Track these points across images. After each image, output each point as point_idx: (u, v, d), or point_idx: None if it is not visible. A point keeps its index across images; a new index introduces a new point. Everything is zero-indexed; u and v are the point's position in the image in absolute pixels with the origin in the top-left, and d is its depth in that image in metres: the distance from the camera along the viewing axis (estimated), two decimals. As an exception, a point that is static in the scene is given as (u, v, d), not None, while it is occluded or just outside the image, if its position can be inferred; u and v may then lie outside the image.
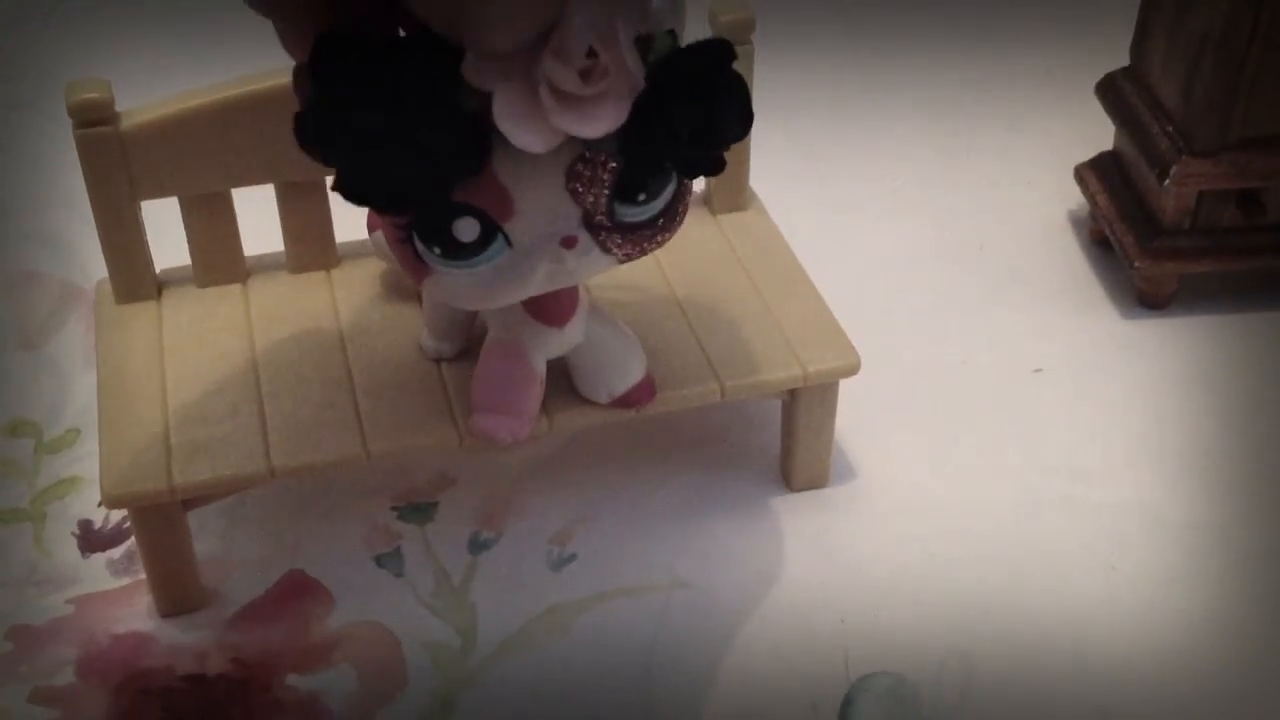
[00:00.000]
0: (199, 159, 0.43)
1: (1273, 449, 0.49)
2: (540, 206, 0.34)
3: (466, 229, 0.34)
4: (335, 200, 0.44)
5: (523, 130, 0.31)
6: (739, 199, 0.51)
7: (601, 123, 0.32)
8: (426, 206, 0.33)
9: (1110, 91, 0.56)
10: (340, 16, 0.31)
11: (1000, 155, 0.64)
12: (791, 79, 0.68)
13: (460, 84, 0.31)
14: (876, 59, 0.71)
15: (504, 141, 0.32)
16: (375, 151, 0.31)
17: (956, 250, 0.59)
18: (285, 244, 0.47)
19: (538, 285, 0.36)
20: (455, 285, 0.35)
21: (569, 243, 0.35)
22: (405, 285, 0.45)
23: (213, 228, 0.45)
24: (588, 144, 0.33)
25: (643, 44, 0.33)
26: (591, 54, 0.31)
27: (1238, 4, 0.48)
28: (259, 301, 0.46)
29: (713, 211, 0.51)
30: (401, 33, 0.33)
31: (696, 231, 0.50)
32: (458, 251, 0.34)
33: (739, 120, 0.35)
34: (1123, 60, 0.57)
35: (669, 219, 0.36)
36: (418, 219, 0.34)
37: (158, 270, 0.47)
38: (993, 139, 0.66)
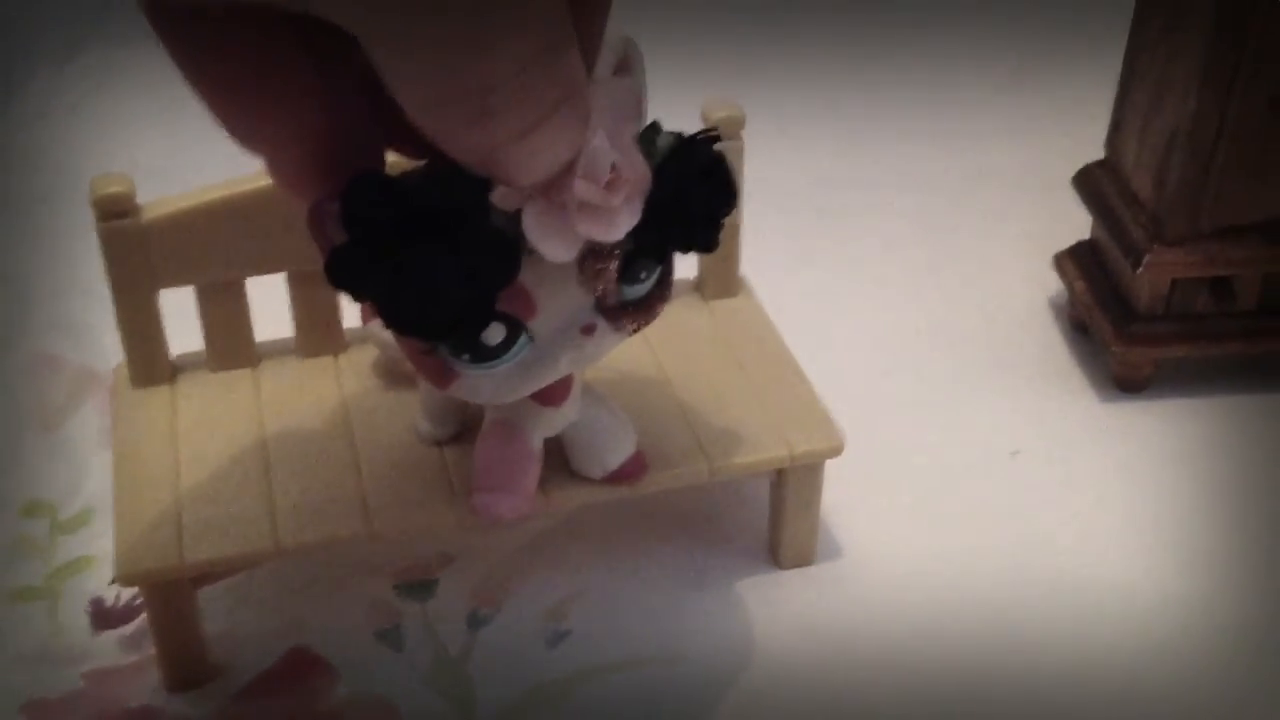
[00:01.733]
0: (215, 250, 0.46)
1: (1246, 527, 0.51)
2: (559, 302, 0.37)
3: (494, 333, 0.36)
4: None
5: (554, 244, 0.34)
6: (730, 286, 0.53)
7: (622, 226, 0.34)
8: (471, 327, 0.35)
9: (1086, 183, 0.59)
10: (335, 145, 0.33)
11: (983, 244, 0.67)
12: (783, 171, 0.71)
13: (490, 207, 0.34)
14: (865, 151, 0.74)
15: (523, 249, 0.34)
16: (422, 287, 0.33)
17: (940, 335, 0.61)
18: (295, 330, 0.49)
19: (560, 373, 0.38)
20: (483, 385, 0.37)
21: (588, 330, 0.37)
22: (405, 371, 0.47)
23: (226, 315, 0.48)
24: (594, 240, 0.35)
25: (642, 140, 0.35)
26: (613, 168, 0.33)
27: (1205, 101, 0.50)
28: (269, 386, 0.48)
29: (704, 298, 0.53)
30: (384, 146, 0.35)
31: (688, 317, 0.52)
32: (486, 354, 0.36)
33: (730, 201, 0.38)
34: (1100, 153, 0.59)
35: (664, 287, 0.39)
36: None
37: (172, 355, 0.49)
38: (976, 228, 0.68)
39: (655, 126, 0.36)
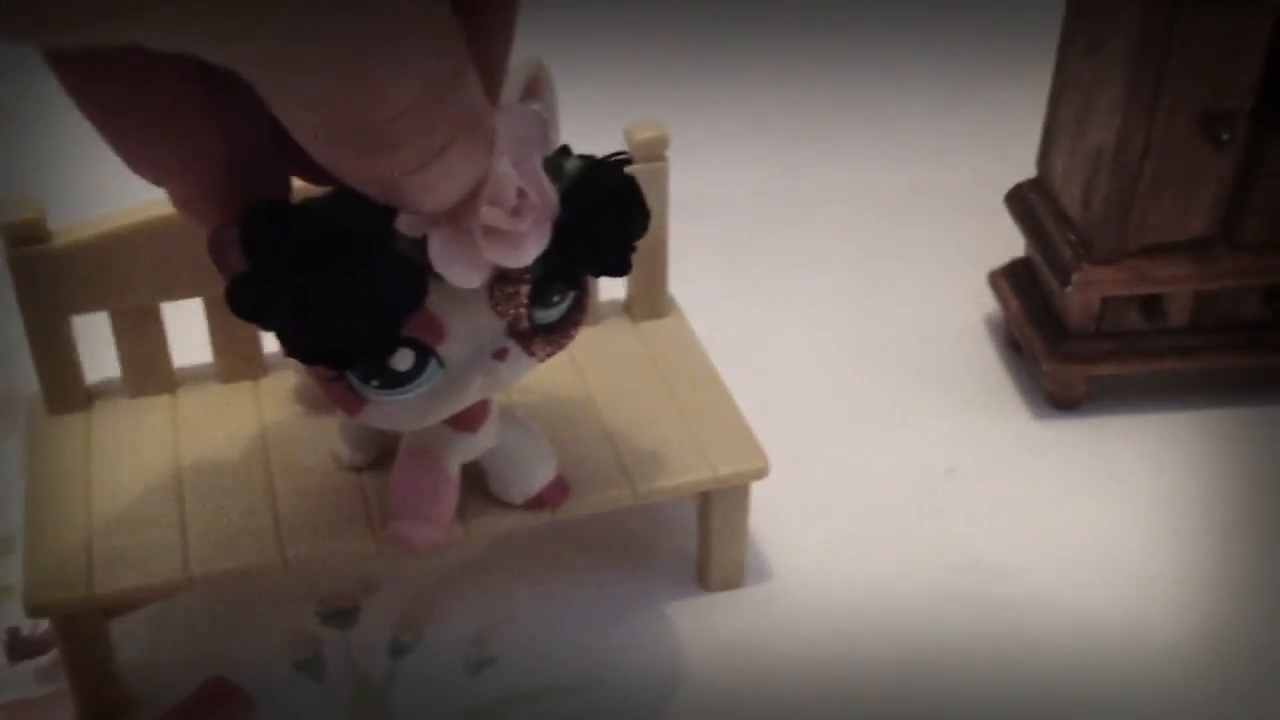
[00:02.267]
0: (129, 275, 0.45)
1: (1176, 545, 0.51)
2: (469, 327, 0.36)
3: (402, 359, 0.35)
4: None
5: (460, 270, 0.33)
6: (659, 307, 0.52)
7: (529, 251, 0.34)
8: (377, 354, 0.35)
9: (1018, 201, 0.59)
10: (235, 172, 0.33)
11: (919, 262, 0.67)
12: (717, 190, 0.71)
13: (393, 233, 0.33)
14: (801, 170, 0.73)
15: (430, 274, 0.34)
16: (326, 314, 0.33)
17: (875, 353, 0.61)
18: (214, 355, 0.48)
19: (472, 398, 0.38)
20: (394, 411, 0.37)
21: (500, 355, 0.37)
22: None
23: (142, 341, 0.47)
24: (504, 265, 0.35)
25: (550, 166, 0.35)
26: (519, 194, 0.33)
27: (1129, 120, 0.51)
28: (187, 412, 0.47)
29: (633, 319, 0.52)
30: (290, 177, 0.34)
31: (616, 338, 0.51)
32: (395, 380, 0.35)
33: (642, 220, 0.38)
34: (1033, 172, 0.59)
35: (578, 311, 0.39)
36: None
37: (89, 382, 0.48)
38: (912, 247, 0.68)
39: (565, 151, 0.36)
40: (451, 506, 0.42)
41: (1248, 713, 0.45)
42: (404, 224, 0.33)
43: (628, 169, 0.37)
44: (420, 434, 0.41)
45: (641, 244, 0.50)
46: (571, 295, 0.38)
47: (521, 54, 0.35)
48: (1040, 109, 0.57)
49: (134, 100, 0.31)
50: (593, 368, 0.50)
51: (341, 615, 0.48)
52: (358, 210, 0.32)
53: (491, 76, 0.33)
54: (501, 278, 0.35)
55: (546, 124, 0.35)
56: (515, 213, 0.33)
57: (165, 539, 0.42)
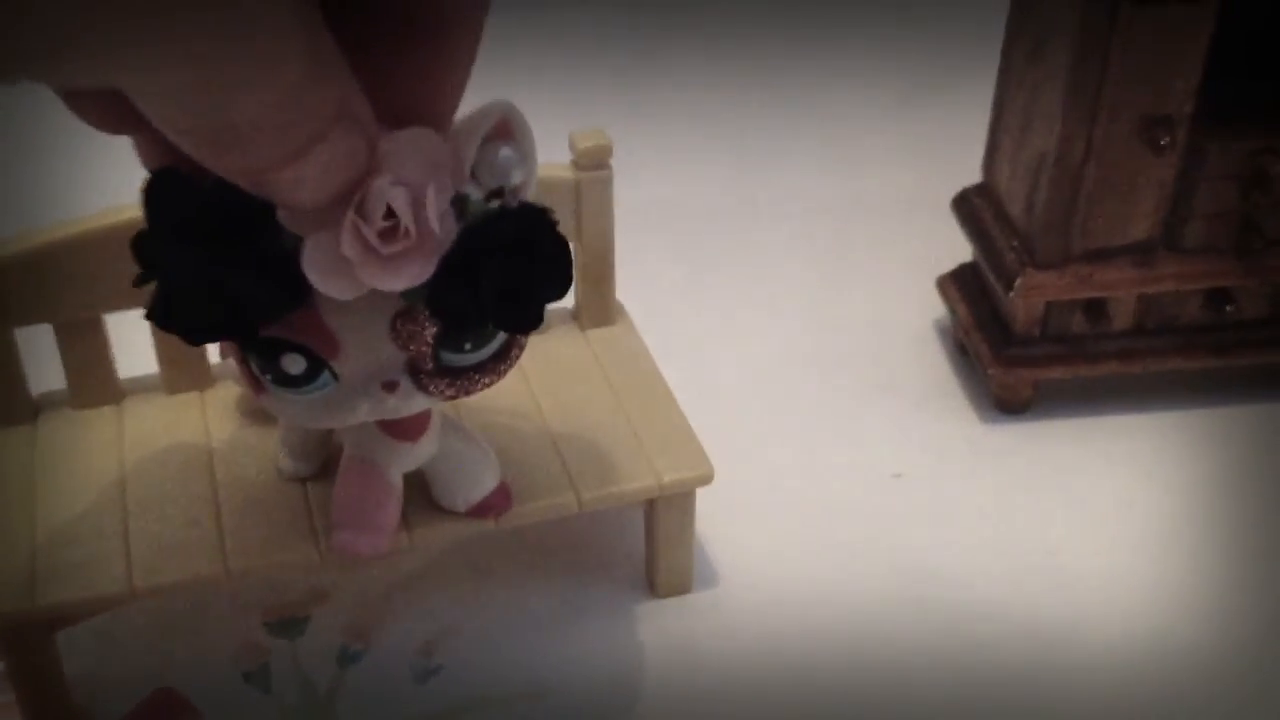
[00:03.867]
0: (70, 286, 0.45)
1: (1120, 548, 0.51)
2: (365, 350, 0.36)
3: (293, 363, 0.35)
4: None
5: (328, 279, 0.33)
6: (607, 314, 0.53)
7: (401, 279, 0.33)
8: (236, 340, 0.35)
9: (964, 207, 0.59)
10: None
11: (869, 267, 0.67)
12: (667, 196, 0.71)
13: (276, 226, 0.32)
14: (751, 176, 0.74)
15: None
16: (181, 287, 0.33)
17: (825, 358, 0.61)
18: (159, 366, 0.48)
19: (361, 417, 0.37)
20: (285, 407, 0.37)
21: (390, 387, 0.36)
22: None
23: (86, 352, 0.47)
24: (409, 297, 0.34)
25: (459, 204, 0.34)
26: (389, 214, 0.32)
27: (1070, 126, 0.51)
28: (132, 423, 0.47)
29: (581, 327, 0.52)
30: None
31: (563, 347, 0.51)
32: (286, 381, 0.36)
33: (554, 283, 0.36)
34: (979, 177, 0.60)
35: (498, 362, 0.38)
36: (252, 346, 0.36)
37: (34, 394, 0.48)
38: (862, 252, 0.68)
39: (497, 194, 0.35)
40: (394, 515, 0.42)
41: (1190, 713, 0.45)
42: (285, 219, 0.32)
43: (555, 229, 0.35)
44: (361, 443, 0.41)
45: (589, 252, 0.51)
46: (492, 345, 0.37)
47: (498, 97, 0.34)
48: (986, 115, 0.58)
49: None
50: (539, 375, 0.50)
51: (289, 625, 0.48)
52: (241, 196, 0.31)
53: (444, 102, 0.33)
54: (405, 312, 0.35)
55: (462, 160, 0.33)
56: (383, 235, 0.32)
57: (109, 551, 0.42)
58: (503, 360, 0.38)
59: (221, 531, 0.43)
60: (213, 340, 0.35)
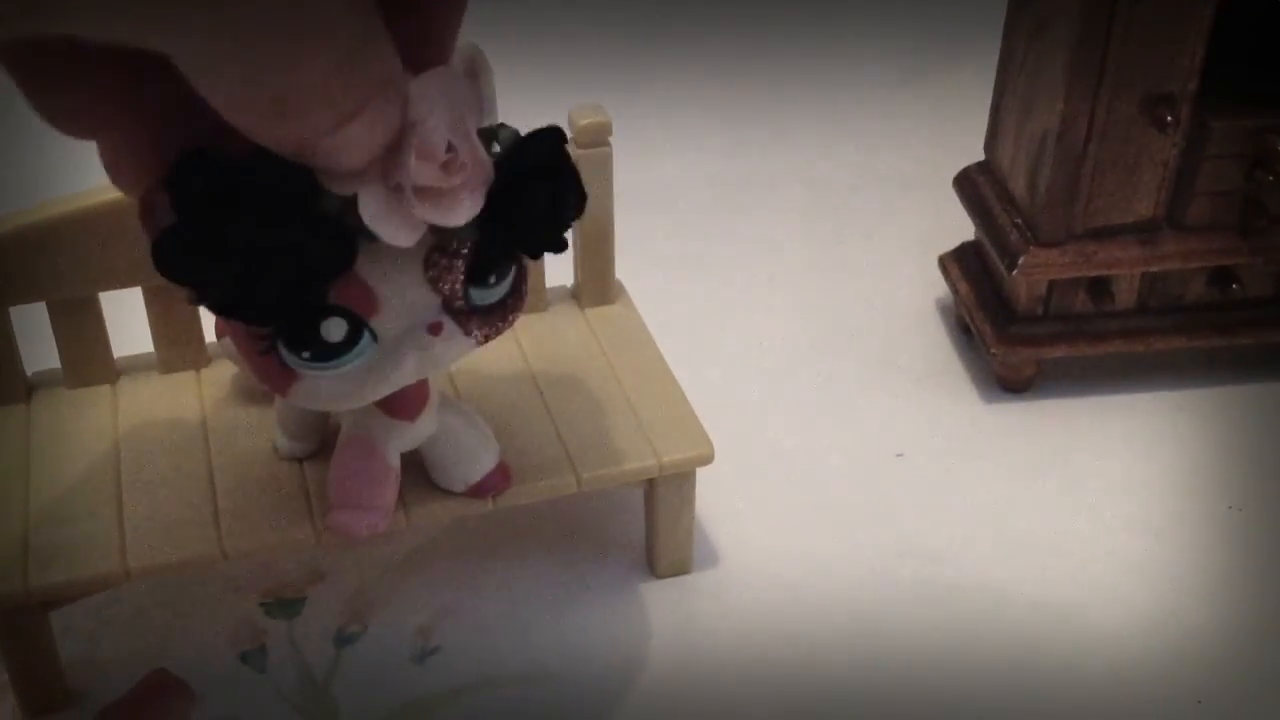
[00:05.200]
0: (65, 265, 0.44)
1: (1122, 528, 0.51)
2: (403, 299, 0.35)
3: (335, 329, 0.35)
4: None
5: (392, 227, 0.33)
6: (606, 293, 0.52)
7: (463, 211, 0.33)
8: (299, 313, 0.34)
9: (966, 185, 0.59)
10: (166, 129, 0.32)
11: (871, 246, 0.67)
12: (667, 174, 0.70)
13: (320, 189, 0.32)
14: (751, 154, 0.73)
15: (363, 240, 0.33)
16: (247, 265, 0.32)
17: (827, 338, 0.61)
18: (155, 345, 0.48)
19: (406, 378, 0.37)
20: (324, 387, 0.36)
21: (435, 329, 0.36)
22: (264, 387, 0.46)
23: (81, 331, 0.46)
24: (440, 235, 0.35)
25: (484, 136, 0.34)
26: (449, 149, 0.32)
27: (1073, 104, 0.51)
28: (127, 402, 0.47)
29: (581, 305, 0.52)
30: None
31: (563, 325, 0.51)
32: (327, 352, 0.35)
33: (577, 197, 0.37)
34: (981, 155, 0.59)
35: (515, 299, 0.38)
36: (285, 327, 0.35)
37: (29, 373, 0.48)
38: (864, 230, 0.68)
39: (500, 125, 0.36)
40: (392, 495, 0.42)
41: (1187, 697, 0.45)
42: (327, 180, 0.32)
43: (568, 148, 0.37)
44: (359, 423, 0.41)
45: (588, 230, 0.51)
46: (509, 279, 0.37)
47: (466, 37, 0.35)
48: (988, 93, 0.57)
49: (65, 61, 0.30)
50: (539, 354, 0.49)
51: (286, 606, 0.48)
52: (282, 165, 0.31)
53: (441, 45, 0.33)
54: (438, 249, 0.35)
55: (479, 96, 0.34)
56: (445, 168, 0.32)
57: (103, 531, 0.42)
58: (519, 297, 0.38)
59: (217, 511, 0.43)
60: (283, 318, 0.34)
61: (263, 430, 0.46)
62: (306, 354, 0.35)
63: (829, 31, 0.83)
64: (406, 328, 0.36)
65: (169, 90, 0.31)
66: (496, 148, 0.35)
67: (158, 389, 0.48)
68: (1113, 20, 0.49)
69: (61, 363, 0.47)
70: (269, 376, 0.36)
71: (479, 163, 0.33)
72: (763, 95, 0.78)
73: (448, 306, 0.36)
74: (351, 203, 0.32)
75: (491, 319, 0.37)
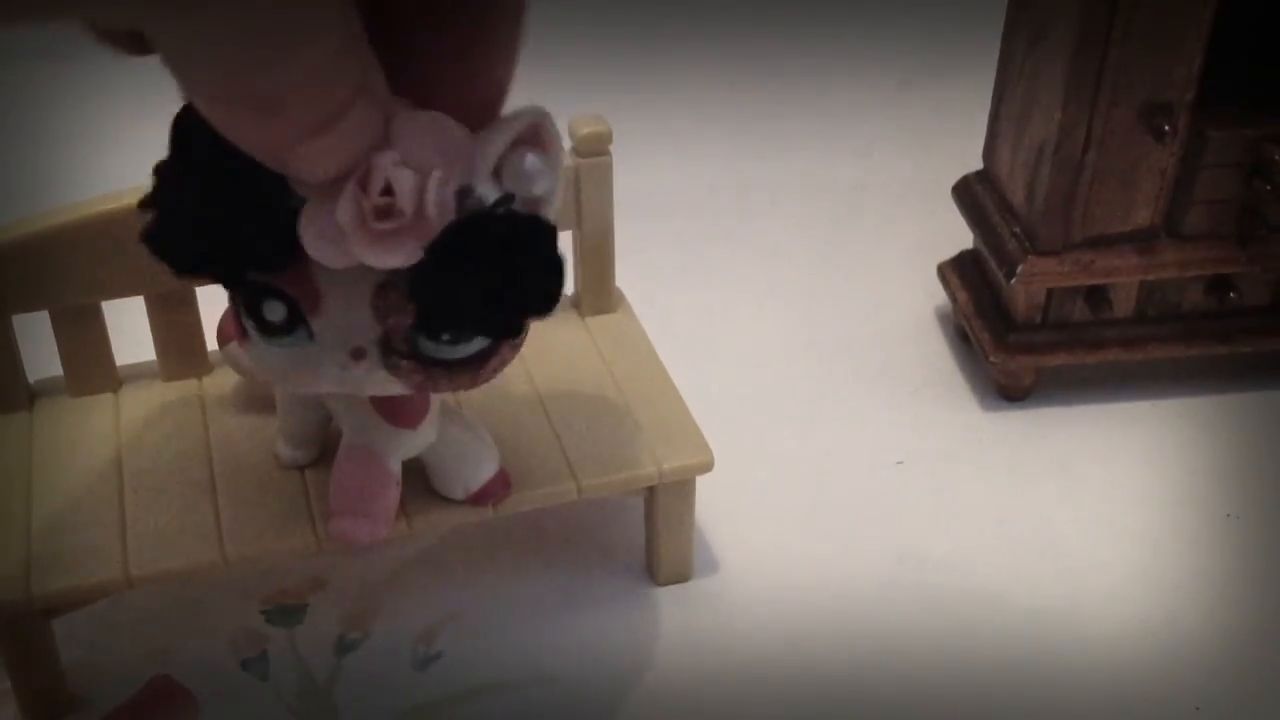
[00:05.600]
0: (68, 273, 0.45)
1: (1120, 536, 0.51)
2: (344, 313, 0.35)
3: (273, 310, 0.36)
4: (206, 310, 0.46)
5: (320, 245, 0.33)
6: (606, 301, 0.52)
7: (390, 258, 0.32)
8: (223, 281, 0.35)
9: (965, 193, 0.59)
10: None
11: (870, 254, 0.67)
12: (669, 183, 0.71)
13: (285, 183, 0.32)
14: (751, 162, 0.74)
15: None
16: (183, 215, 0.33)
17: (827, 346, 0.61)
18: (156, 353, 0.48)
19: (325, 384, 0.37)
20: (261, 358, 0.37)
21: (357, 354, 0.36)
22: (266, 394, 0.46)
23: (83, 339, 0.47)
24: (397, 271, 0.34)
25: (462, 197, 0.33)
26: (386, 191, 0.31)
27: (1070, 113, 0.51)
28: (129, 410, 0.47)
29: (581, 314, 0.52)
30: None
31: (563, 333, 0.51)
32: (265, 328, 0.36)
33: (538, 297, 0.35)
34: (980, 164, 0.59)
35: (476, 367, 0.36)
36: (240, 290, 0.36)
37: (32, 381, 0.48)
38: (864, 238, 0.68)
39: (475, 191, 0.33)
40: (393, 503, 0.42)
41: (1185, 703, 0.45)
42: (296, 183, 0.32)
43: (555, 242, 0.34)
44: (360, 430, 0.41)
45: (588, 238, 0.51)
46: (473, 345, 0.36)
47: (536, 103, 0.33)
48: (986, 101, 0.57)
49: None
50: (539, 362, 0.50)
51: (287, 613, 0.48)
52: None
53: (485, 92, 0.32)
54: (388, 284, 0.34)
55: (475, 151, 0.32)
56: (378, 209, 0.31)
57: (105, 539, 0.42)
58: (480, 366, 0.36)
59: (219, 519, 0.43)
60: (197, 276, 0.35)
61: (262, 439, 0.46)
62: (252, 321, 0.36)
63: (828, 40, 0.84)
64: (335, 342, 0.36)
65: None
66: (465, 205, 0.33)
67: (160, 397, 0.48)
68: (1110, 30, 0.49)
69: (64, 371, 0.47)
70: (236, 329, 0.37)
71: (422, 218, 0.32)
72: (762, 104, 0.78)
73: (386, 340, 0.36)
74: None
75: (435, 374, 0.36)
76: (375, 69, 0.30)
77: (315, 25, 0.27)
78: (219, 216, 0.33)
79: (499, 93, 0.33)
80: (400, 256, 0.32)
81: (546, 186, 0.34)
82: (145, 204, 0.34)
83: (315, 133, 0.29)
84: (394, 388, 0.37)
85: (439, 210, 0.32)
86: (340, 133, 0.30)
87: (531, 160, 0.33)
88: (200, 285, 0.37)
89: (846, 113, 0.77)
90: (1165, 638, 0.47)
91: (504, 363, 0.37)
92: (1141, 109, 0.51)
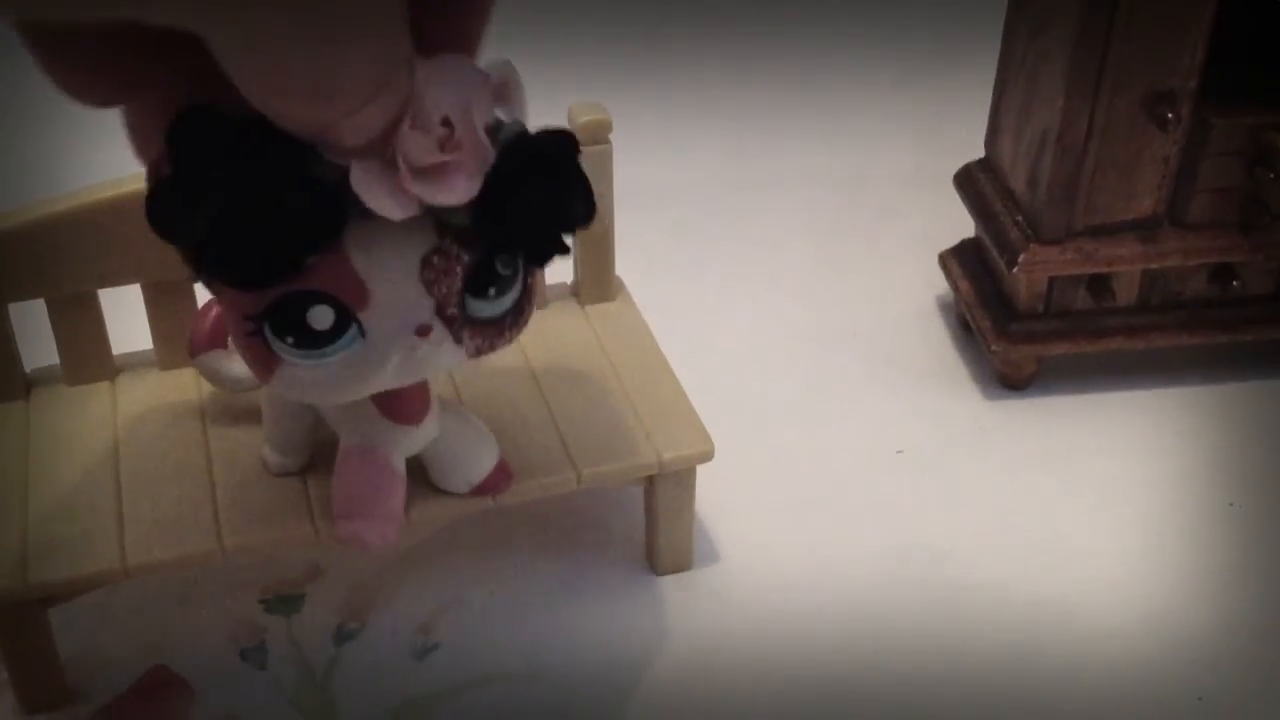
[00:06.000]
0: (64, 261, 0.44)
1: (1122, 526, 0.51)
2: (395, 296, 0.35)
3: (321, 317, 0.34)
4: (202, 297, 0.46)
5: (381, 197, 0.32)
6: (606, 290, 0.52)
7: (456, 191, 0.33)
8: (282, 276, 0.33)
9: (966, 182, 0.59)
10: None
11: (872, 243, 0.67)
12: (669, 172, 0.70)
13: (317, 157, 0.32)
14: (753, 152, 0.73)
15: (360, 230, 0.33)
16: (230, 214, 0.31)
17: (829, 335, 0.61)
18: (154, 342, 0.48)
19: (387, 378, 0.36)
20: (304, 378, 0.35)
21: (424, 331, 0.35)
22: (245, 401, 0.46)
23: (80, 327, 0.46)
24: (442, 237, 0.34)
25: (492, 131, 0.34)
26: (446, 124, 0.32)
27: (1073, 102, 0.50)
28: (126, 399, 0.47)
29: (580, 302, 0.52)
30: None
31: (563, 322, 0.51)
32: (311, 340, 0.34)
33: (583, 204, 0.36)
34: (982, 152, 0.59)
35: (515, 317, 0.37)
36: (274, 307, 0.34)
37: (28, 370, 0.48)
38: (865, 227, 0.68)
39: (504, 122, 0.35)
40: (400, 501, 0.42)
41: (1188, 694, 0.45)
42: (327, 150, 0.32)
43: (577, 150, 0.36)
44: (359, 432, 0.41)
45: (588, 227, 0.50)
46: (512, 295, 0.36)
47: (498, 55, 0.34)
48: (989, 89, 0.57)
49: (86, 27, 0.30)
50: (539, 351, 0.49)
51: (285, 602, 0.48)
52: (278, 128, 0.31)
53: (471, 33, 0.33)
54: (437, 251, 0.34)
55: (492, 85, 0.34)
56: (440, 144, 0.32)
57: (102, 528, 0.42)
58: (521, 313, 0.37)
59: (216, 508, 0.43)
60: (265, 282, 0.33)
61: (260, 428, 0.46)
62: (290, 339, 0.34)
63: (830, 28, 0.83)
64: (395, 327, 0.35)
65: (187, 63, 0.31)
66: (500, 134, 0.34)
67: (157, 385, 0.48)
68: (1113, 17, 0.48)
69: (61, 360, 0.47)
70: (254, 360, 0.35)
71: (476, 144, 0.33)
72: (764, 92, 0.78)
73: (440, 311, 0.35)
74: (347, 175, 0.32)
75: (487, 333, 0.36)
76: (409, 37, 0.30)
77: (369, 7, 0.27)
78: (263, 204, 0.32)
79: (474, 43, 0.34)
80: (462, 190, 0.33)
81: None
82: (167, 234, 0.33)
83: (363, 107, 0.30)
84: (455, 358, 0.36)
85: (487, 139, 0.33)
86: (381, 104, 0.30)
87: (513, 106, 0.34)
88: (251, 312, 0.34)
89: (848, 101, 0.77)
90: (1167, 627, 0.47)
91: (532, 310, 0.38)
92: (1144, 97, 0.50)
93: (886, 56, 0.81)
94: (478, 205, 0.33)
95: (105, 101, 0.32)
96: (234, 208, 0.32)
